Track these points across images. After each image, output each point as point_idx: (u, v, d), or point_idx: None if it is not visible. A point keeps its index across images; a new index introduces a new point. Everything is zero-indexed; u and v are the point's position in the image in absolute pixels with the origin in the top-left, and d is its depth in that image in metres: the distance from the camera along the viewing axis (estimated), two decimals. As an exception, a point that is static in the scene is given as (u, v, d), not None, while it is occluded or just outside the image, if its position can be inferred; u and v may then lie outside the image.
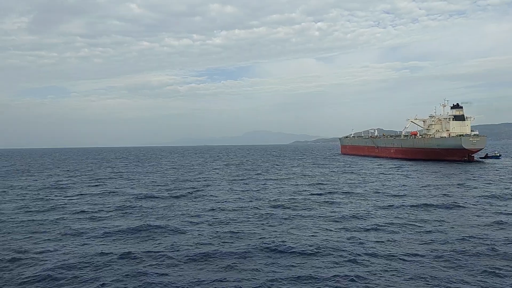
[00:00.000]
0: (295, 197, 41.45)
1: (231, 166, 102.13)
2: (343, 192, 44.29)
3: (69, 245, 23.80)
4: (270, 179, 62.60)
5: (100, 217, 32.29)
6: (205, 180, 61.94)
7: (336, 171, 77.98)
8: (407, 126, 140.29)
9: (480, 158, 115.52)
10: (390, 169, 79.90)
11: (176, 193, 46.23)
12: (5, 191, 50.65)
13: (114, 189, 51.88)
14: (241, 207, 35.61)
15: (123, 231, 26.86)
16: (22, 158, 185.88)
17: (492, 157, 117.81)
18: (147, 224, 28.62)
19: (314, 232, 25.95)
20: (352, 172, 73.04)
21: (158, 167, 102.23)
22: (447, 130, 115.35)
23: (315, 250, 21.58)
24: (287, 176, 68.30)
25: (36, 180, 66.56)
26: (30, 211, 35.60)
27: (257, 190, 48.55)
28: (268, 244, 22.85)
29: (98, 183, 59.89)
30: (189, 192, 46.66)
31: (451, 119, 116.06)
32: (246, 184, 56.04)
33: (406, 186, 49.72)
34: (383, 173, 69.41)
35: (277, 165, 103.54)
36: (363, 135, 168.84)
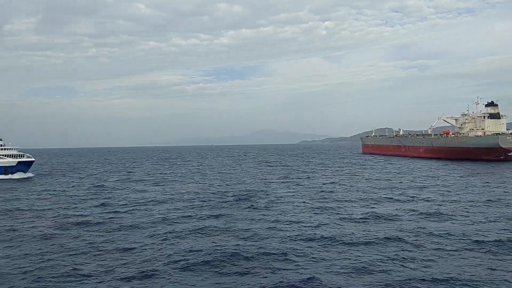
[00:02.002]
0: (377, 204, 37.84)
1: (263, 164, 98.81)
2: (425, 199, 40.06)
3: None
4: (324, 183, 59.01)
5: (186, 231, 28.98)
6: (258, 182, 58.49)
7: (383, 171, 74.20)
8: (433, 125, 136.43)
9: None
10: (439, 170, 75.97)
11: (239, 197, 42.86)
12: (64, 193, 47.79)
13: (178, 192, 48.72)
14: (337, 219, 31.81)
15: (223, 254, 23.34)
16: (43, 158, 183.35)
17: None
18: (248, 249, 24.33)
19: (461, 255, 22.33)
20: (406, 173, 69.35)
21: (190, 167, 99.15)
22: (482, 129, 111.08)
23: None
24: (337, 177, 64.69)
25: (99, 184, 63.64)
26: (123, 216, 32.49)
27: (321, 192, 45.02)
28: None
29: (144, 186, 56.79)
30: (251, 196, 43.16)
31: (486, 117, 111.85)
32: (301, 185, 52.41)
33: (487, 190, 45.60)
34: (438, 174, 65.54)
35: (313, 164, 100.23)
36: (387, 134, 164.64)
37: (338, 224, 28.78)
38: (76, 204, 40.77)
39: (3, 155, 75.15)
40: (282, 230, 27.16)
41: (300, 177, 66.58)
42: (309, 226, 28.16)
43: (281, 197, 42.60)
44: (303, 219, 30.74)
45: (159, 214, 33.80)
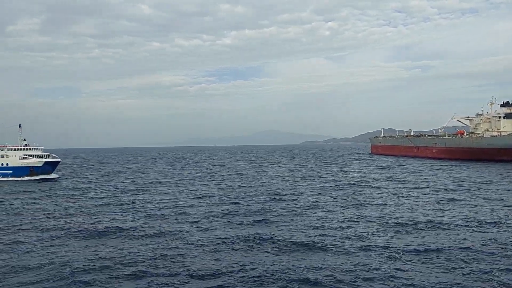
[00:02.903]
0: (421, 208, 36.14)
1: (277, 166, 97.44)
2: (467, 203, 38.58)
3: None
4: (350, 183, 57.38)
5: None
6: (284, 185, 56.81)
7: (405, 172, 72.39)
8: (444, 125, 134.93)
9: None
10: (462, 172, 74.12)
11: (272, 201, 41.18)
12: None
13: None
14: (388, 225, 30.14)
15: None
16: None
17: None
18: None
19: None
20: (430, 174, 67.59)
21: (203, 168, 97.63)
22: (497, 129, 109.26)
23: None
24: (359, 179, 62.96)
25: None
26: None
27: (354, 196, 43.27)
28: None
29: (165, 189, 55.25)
30: (283, 200, 41.60)
31: (502, 118, 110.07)
32: (329, 186, 50.66)
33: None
34: (463, 176, 63.55)
35: (328, 165, 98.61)
36: (397, 134, 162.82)
37: (394, 232, 26.79)
38: (108, 207, 39.19)
39: (29, 155, 72.79)
40: (334, 237, 25.43)
41: (324, 178, 64.95)
42: (362, 234, 26.28)
43: (315, 201, 40.52)
44: (351, 226, 28.82)
45: (196, 219, 32.16)
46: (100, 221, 31.76)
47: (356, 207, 36.44)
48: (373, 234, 26.08)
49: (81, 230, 28.51)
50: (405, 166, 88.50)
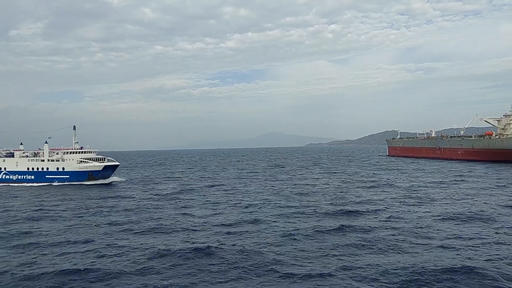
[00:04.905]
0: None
1: (303, 169, 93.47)
2: None
3: None
4: (407, 186, 53.32)
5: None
6: (339, 190, 52.52)
7: (451, 176, 67.95)
8: (466, 126, 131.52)
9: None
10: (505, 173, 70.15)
11: (342, 209, 36.18)
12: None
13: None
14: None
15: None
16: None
17: None
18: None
19: None
20: (477, 178, 63.22)
21: (231, 172, 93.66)
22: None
23: None
24: (410, 183, 58.21)
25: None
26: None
27: (451, 205, 38.55)
28: None
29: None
30: (358, 212, 36.59)
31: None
32: (394, 192, 46.48)
33: None
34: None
35: (361, 167, 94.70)
36: (418, 136, 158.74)
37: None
38: (185, 219, 34.41)
39: (87, 159, 67.60)
40: (483, 262, 20.90)
41: (375, 181, 60.46)
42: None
43: (400, 213, 35.81)
44: (487, 242, 24.36)
45: (279, 232, 27.31)
46: (179, 239, 26.92)
47: (462, 220, 31.39)
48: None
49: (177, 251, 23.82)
50: (442, 170, 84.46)
